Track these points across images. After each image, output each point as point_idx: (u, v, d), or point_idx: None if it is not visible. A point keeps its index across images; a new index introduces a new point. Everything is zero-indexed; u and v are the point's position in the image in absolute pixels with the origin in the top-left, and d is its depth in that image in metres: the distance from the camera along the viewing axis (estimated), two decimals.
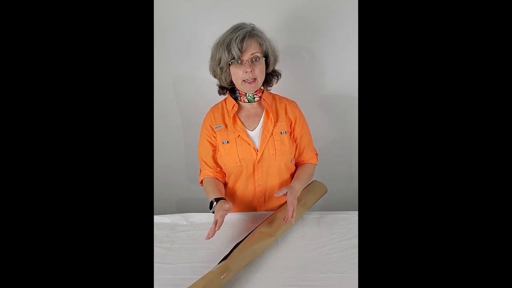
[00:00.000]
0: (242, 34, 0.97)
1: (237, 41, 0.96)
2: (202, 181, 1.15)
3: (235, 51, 0.96)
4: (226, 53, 0.98)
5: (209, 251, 0.93)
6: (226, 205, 0.95)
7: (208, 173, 1.14)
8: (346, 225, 1.03)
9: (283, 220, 0.96)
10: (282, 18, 1.35)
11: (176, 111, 1.54)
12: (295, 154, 1.16)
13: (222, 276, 0.79)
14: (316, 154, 1.21)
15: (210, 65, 1.07)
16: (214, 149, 1.12)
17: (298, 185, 1.07)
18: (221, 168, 1.14)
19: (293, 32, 1.38)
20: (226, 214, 0.94)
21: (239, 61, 0.99)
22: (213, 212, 0.98)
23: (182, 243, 0.97)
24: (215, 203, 0.99)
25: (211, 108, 1.16)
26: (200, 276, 0.82)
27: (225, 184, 1.17)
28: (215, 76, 1.08)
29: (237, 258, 0.85)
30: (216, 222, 0.92)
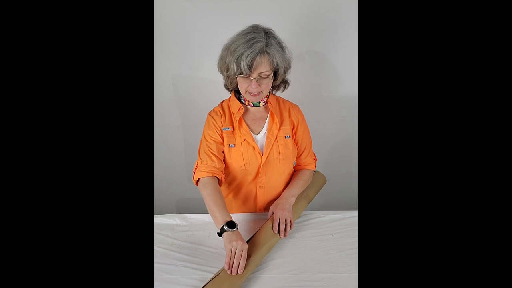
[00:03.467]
0: (253, 54, 0.92)
1: (248, 59, 0.92)
2: (199, 179, 1.05)
3: (243, 69, 0.93)
4: (235, 66, 0.95)
5: (209, 251, 0.93)
6: (245, 247, 0.84)
7: (210, 169, 1.03)
8: (346, 225, 1.03)
9: (280, 235, 0.96)
10: (283, 18, 1.35)
11: (176, 111, 1.54)
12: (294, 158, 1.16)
13: (243, 275, 0.80)
14: (315, 159, 1.21)
15: (218, 64, 1.04)
16: (222, 143, 1.07)
17: (290, 193, 1.06)
18: (225, 165, 1.09)
19: (298, 35, 1.38)
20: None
21: (246, 76, 0.96)
22: (220, 235, 0.89)
23: (182, 243, 0.97)
24: (233, 229, 0.88)
25: (217, 106, 1.13)
26: (199, 276, 0.82)
27: (221, 183, 1.11)
28: (222, 74, 1.06)
29: (254, 256, 0.86)
30: (235, 257, 0.82)
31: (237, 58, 0.94)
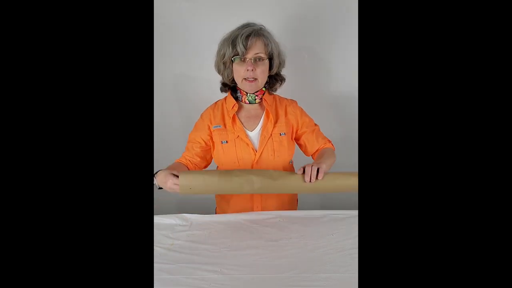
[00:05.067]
0: (249, 32, 0.97)
1: (242, 37, 0.96)
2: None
3: (239, 48, 0.96)
4: (231, 48, 0.98)
5: (209, 251, 0.93)
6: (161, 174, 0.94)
7: (182, 159, 1.13)
8: (346, 225, 1.02)
9: (304, 179, 0.92)
10: (284, 18, 1.35)
11: (176, 111, 1.54)
12: (307, 149, 1.16)
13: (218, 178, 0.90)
14: (329, 141, 1.18)
15: (215, 60, 1.07)
16: (204, 145, 1.12)
17: (318, 161, 1.01)
18: (199, 161, 1.13)
19: (296, 32, 1.38)
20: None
21: (242, 59, 0.98)
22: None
23: (182, 243, 0.97)
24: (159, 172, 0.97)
25: (211, 106, 1.16)
26: (199, 276, 0.82)
27: None
28: (219, 72, 1.08)
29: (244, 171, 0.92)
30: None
31: (233, 40, 0.98)
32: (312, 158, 1.17)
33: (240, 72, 1.01)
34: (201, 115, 1.16)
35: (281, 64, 1.08)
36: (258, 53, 0.99)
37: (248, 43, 0.97)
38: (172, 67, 1.45)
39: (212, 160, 1.18)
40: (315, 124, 1.18)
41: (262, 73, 1.02)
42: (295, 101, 1.17)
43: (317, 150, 1.15)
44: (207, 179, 0.94)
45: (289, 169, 1.16)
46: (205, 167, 1.17)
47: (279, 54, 1.05)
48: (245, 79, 1.02)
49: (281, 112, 1.12)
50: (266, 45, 1.00)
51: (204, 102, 1.23)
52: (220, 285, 0.79)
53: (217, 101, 1.17)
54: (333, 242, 0.95)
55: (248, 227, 1.03)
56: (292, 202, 1.21)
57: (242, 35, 0.97)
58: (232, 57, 0.99)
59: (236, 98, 1.11)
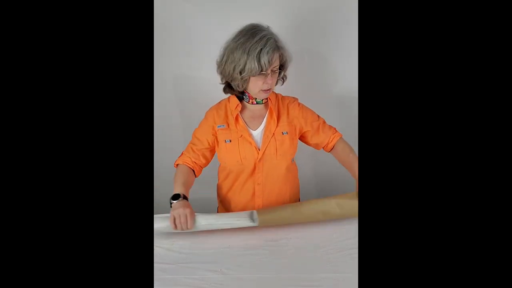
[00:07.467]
0: (271, 47, 0.95)
1: (268, 54, 0.95)
2: (178, 164, 1.14)
3: (264, 64, 0.96)
4: (256, 63, 0.95)
5: (209, 251, 0.93)
6: (188, 211, 0.94)
7: (188, 160, 1.12)
8: (346, 225, 1.03)
9: None
10: (284, 19, 1.35)
11: (176, 111, 1.54)
12: (318, 145, 1.17)
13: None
14: (335, 129, 1.18)
15: (223, 68, 1.03)
16: (208, 146, 1.13)
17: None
18: (204, 162, 1.14)
19: (297, 32, 1.38)
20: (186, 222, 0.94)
21: (263, 73, 0.98)
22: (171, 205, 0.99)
23: (182, 243, 0.97)
24: (176, 200, 0.99)
25: (215, 105, 1.16)
26: (199, 276, 0.82)
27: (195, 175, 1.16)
28: (227, 79, 1.05)
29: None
30: (174, 221, 0.93)
31: (257, 55, 0.95)
32: (324, 150, 1.18)
33: (258, 85, 1.01)
34: (206, 115, 1.16)
35: (288, 67, 1.09)
36: (275, 66, 1.00)
37: (273, 59, 0.97)
38: (172, 67, 1.45)
39: (211, 159, 1.18)
40: (318, 118, 1.17)
41: (275, 81, 1.05)
42: (296, 99, 1.17)
43: (328, 142, 1.16)
44: (283, 216, 0.99)
45: (292, 167, 1.16)
46: (205, 165, 1.16)
47: (288, 58, 1.05)
48: (262, 89, 1.03)
49: (283, 111, 1.13)
50: (281, 57, 1.01)
51: (204, 102, 1.23)
52: (220, 285, 0.79)
53: (221, 100, 1.16)
54: (333, 242, 0.95)
55: (247, 227, 1.03)
56: (294, 201, 1.21)
57: (267, 52, 0.95)
58: (258, 73, 0.98)
59: (241, 99, 1.11)
